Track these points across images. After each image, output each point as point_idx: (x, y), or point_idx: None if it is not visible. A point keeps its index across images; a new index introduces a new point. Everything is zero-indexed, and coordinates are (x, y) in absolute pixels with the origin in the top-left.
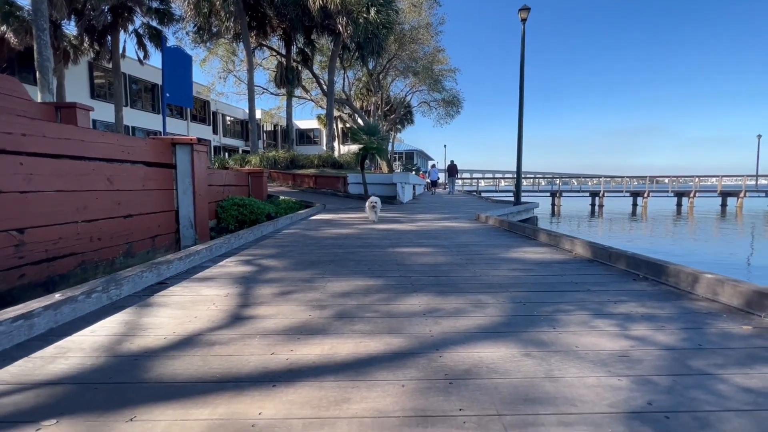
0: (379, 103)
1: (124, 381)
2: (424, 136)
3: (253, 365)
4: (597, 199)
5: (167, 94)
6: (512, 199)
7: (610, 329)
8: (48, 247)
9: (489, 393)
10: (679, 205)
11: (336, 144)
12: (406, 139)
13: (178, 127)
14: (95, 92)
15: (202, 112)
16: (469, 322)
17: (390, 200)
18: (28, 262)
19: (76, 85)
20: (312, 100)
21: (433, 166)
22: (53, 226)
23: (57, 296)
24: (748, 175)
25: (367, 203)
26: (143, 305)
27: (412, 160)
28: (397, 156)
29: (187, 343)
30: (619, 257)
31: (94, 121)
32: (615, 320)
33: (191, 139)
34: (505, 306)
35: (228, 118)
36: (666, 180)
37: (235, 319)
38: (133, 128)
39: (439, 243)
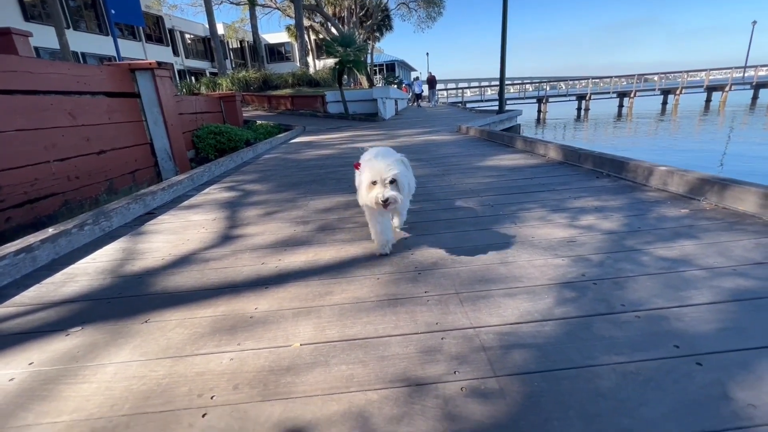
0: (353, 7)
1: (133, 294)
2: (405, 44)
3: (246, 274)
4: (583, 102)
5: (112, 11)
6: (497, 108)
7: (564, 221)
8: (26, 189)
9: (451, 278)
10: (664, 103)
11: (310, 59)
12: (386, 48)
13: (133, 50)
14: (28, 13)
15: (157, 31)
16: (441, 224)
17: (372, 117)
18: (10, 205)
19: (2, 6)
20: (278, 9)
21: (417, 78)
22: (25, 167)
23: (51, 230)
24: (736, 68)
25: (368, 194)
26: (136, 234)
27: (393, 72)
28: (377, 68)
29: (183, 261)
30: (587, 158)
31: (36, 49)
32: (570, 213)
33: (150, 64)
34: (474, 209)
35: (187, 36)
36: (655, 78)
37: (225, 238)
38: (83, 54)
39: (418, 157)
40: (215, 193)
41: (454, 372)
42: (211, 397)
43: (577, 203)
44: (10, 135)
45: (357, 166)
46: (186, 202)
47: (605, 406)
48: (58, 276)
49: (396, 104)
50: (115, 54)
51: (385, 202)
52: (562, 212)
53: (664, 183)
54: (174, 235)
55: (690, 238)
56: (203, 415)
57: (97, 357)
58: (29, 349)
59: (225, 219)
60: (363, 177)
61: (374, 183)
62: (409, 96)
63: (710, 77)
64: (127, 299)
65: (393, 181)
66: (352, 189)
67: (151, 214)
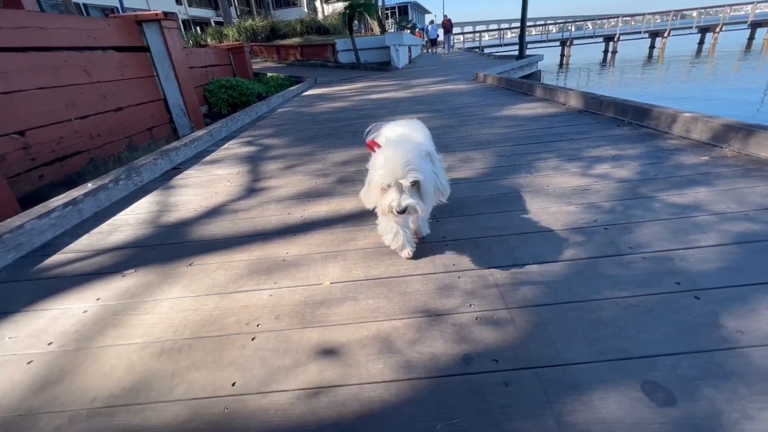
0: None
1: (174, 242)
2: None
3: (274, 223)
4: (611, 44)
5: None
6: (517, 53)
7: (579, 170)
8: (53, 147)
9: (467, 225)
10: (701, 43)
11: (318, 4)
12: None
13: None
14: None
15: None
16: (457, 175)
17: (384, 66)
18: (41, 163)
19: None
20: None
21: (432, 22)
22: (50, 126)
23: (90, 185)
24: None
25: (380, 199)
26: (166, 188)
27: (406, 15)
28: (388, 12)
29: (215, 212)
30: (608, 105)
31: (38, 2)
32: (586, 162)
33: (157, 15)
34: (490, 159)
35: None
36: (693, 14)
37: (251, 191)
38: (85, 6)
39: (434, 108)
40: (235, 147)
41: (469, 305)
42: (257, 325)
43: (594, 152)
44: (31, 94)
45: (372, 145)
46: (208, 157)
47: (606, 332)
48: (104, 226)
49: (410, 51)
50: (117, 4)
51: (403, 212)
52: (578, 161)
53: (687, 130)
54: (202, 188)
55: (705, 185)
56: (252, 339)
57: (153, 293)
58: (94, 288)
59: (248, 173)
60: (373, 175)
61: (389, 186)
62: (424, 42)
63: (756, 10)
64: (170, 246)
65: (414, 183)
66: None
67: (177, 169)
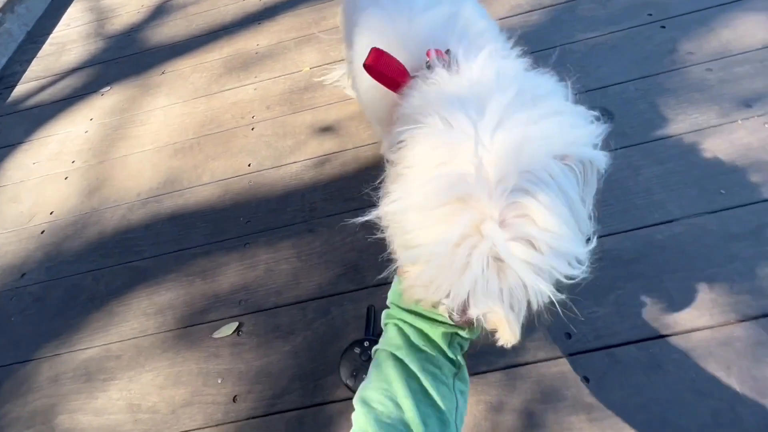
0: None
1: (135, 52)
2: None
3: (232, 14)
4: None
5: None
6: None
7: None
8: None
9: None
10: None
11: None
12: None
13: None
14: None
15: None
16: None
17: None
18: None
19: None
20: None
21: None
22: None
23: None
24: None
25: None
26: None
27: None
28: None
29: (162, 12)
30: None
31: None
32: None
33: None
34: None
35: None
36: None
37: None
38: None
39: None
40: None
41: None
42: (252, 117)
43: None
44: None
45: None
46: None
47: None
48: (48, 47)
49: None
50: None
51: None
52: None
53: None
54: None
55: None
56: (252, 129)
57: (141, 106)
58: (80, 109)
59: None
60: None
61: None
62: None
63: None
64: (132, 57)
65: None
66: None
67: None
